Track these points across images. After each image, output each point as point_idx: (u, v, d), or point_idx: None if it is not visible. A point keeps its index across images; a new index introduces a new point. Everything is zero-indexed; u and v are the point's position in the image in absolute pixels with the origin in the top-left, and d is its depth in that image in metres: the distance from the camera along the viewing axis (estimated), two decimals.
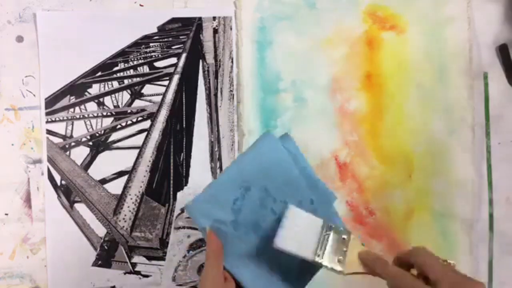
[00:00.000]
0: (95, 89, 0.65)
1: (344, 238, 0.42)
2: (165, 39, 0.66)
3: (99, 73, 0.65)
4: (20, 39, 0.64)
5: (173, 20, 0.66)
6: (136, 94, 0.66)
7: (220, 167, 0.65)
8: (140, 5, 0.65)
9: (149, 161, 0.65)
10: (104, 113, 0.65)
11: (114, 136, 0.65)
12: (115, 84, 0.66)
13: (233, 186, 0.45)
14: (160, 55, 0.66)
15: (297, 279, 0.46)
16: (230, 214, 0.45)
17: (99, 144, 0.65)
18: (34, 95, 0.64)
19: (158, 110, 0.65)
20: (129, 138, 0.65)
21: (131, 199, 0.64)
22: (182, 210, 0.65)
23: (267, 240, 0.44)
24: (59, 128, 0.64)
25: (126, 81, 0.66)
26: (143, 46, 0.66)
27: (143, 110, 0.66)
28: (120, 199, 0.64)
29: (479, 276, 0.65)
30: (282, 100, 0.65)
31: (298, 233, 0.42)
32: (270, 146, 0.46)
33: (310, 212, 0.43)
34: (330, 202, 0.47)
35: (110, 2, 0.65)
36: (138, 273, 0.64)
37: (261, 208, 0.45)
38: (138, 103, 0.66)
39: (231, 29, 0.66)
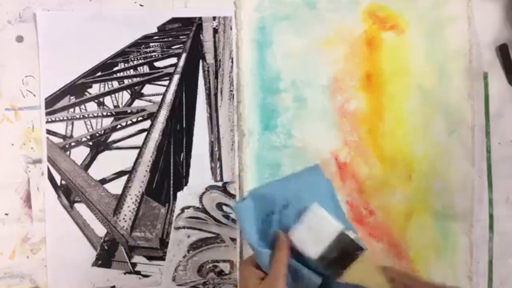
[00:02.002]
0: (95, 89, 0.65)
1: (356, 253, 0.42)
2: (165, 39, 0.66)
3: (99, 73, 0.65)
4: (20, 39, 0.64)
5: (173, 20, 0.66)
6: (136, 94, 0.66)
7: (220, 167, 0.65)
8: (140, 5, 0.65)
9: (149, 161, 0.65)
10: (104, 113, 0.65)
11: (114, 136, 0.65)
12: (115, 84, 0.66)
13: (274, 199, 0.46)
14: (160, 55, 0.66)
15: None
16: (260, 223, 0.46)
17: (99, 144, 0.65)
18: (34, 95, 0.64)
19: (158, 110, 0.65)
20: (129, 138, 0.65)
21: (131, 199, 0.64)
22: (182, 210, 0.65)
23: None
24: (59, 128, 0.64)
25: (126, 81, 0.66)
26: (143, 46, 0.66)
27: (143, 110, 0.66)
28: (120, 199, 0.64)
29: (479, 276, 0.66)
30: (282, 100, 0.65)
31: (312, 233, 0.42)
32: (317, 179, 0.47)
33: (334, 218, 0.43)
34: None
35: (110, 2, 0.65)
36: (138, 273, 0.64)
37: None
38: (138, 103, 0.66)
39: (231, 29, 0.66)
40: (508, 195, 0.67)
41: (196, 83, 0.66)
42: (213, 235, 0.65)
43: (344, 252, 0.42)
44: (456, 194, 0.65)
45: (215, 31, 0.66)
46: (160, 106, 0.66)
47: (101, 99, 0.65)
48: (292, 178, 0.49)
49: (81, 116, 0.65)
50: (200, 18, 0.66)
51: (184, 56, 0.66)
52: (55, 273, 0.63)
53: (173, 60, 0.66)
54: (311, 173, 0.49)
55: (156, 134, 0.65)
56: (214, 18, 0.66)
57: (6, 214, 0.63)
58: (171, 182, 0.65)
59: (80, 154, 0.64)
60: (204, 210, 0.65)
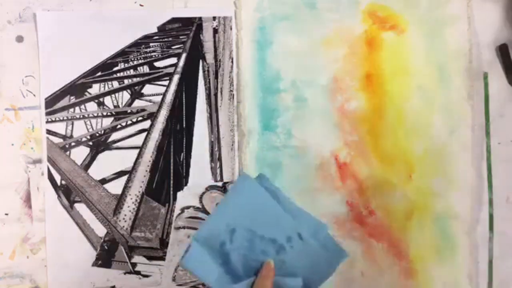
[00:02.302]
0: (95, 89, 0.65)
1: None
2: (165, 39, 0.66)
3: (99, 73, 0.65)
4: (20, 39, 0.64)
5: (173, 20, 0.66)
6: (136, 94, 0.66)
7: (220, 167, 0.65)
8: (140, 5, 0.65)
9: (149, 161, 0.65)
10: (104, 113, 0.65)
11: (114, 136, 0.65)
12: (115, 84, 0.66)
13: (219, 231, 0.47)
14: (160, 55, 0.66)
15: None
16: (218, 258, 0.46)
17: (99, 144, 0.65)
18: (34, 95, 0.64)
19: (158, 110, 0.65)
20: (129, 138, 0.65)
21: (131, 199, 0.64)
22: (182, 210, 0.65)
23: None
24: (59, 128, 0.64)
25: (126, 81, 0.66)
26: (143, 46, 0.66)
27: (143, 110, 0.66)
28: (120, 199, 0.64)
29: (479, 276, 0.66)
30: (282, 100, 0.65)
31: None
32: (250, 188, 0.48)
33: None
34: (322, 230, 0.48)
35: (110, 2, 0.65)
36: (138, 273, 0.64)
37: (250, 250, 0.46)
38: (138, 103, 0.66)
39: (231, 29, 0.66)
40: (508, 195, 0.67)
41: (196, 83, 0.66)
42: None
43: None
44: (456, 194, 0.65)
45: (215, 31, 0.66)
46: (160, 106, 0.66)
47: (101, 99, 0.65)
48: (226, 201, 0.49)
49: (81, 116, 0.65)
50: (200, 18, 0.66)
51: (184, 56, 0.66)
52: (55, 273, 0.63)
53: (173, 60, 0.66)
54: (242, 187, 0.49)
55: (156, 134, 0.65)
56: (214, 18, 0.66)
57: (6, 214, 0.63)
58: (171, 182, 0.65)
59: (80, 154, 0.64)
60: (204, 210, 0.65)
